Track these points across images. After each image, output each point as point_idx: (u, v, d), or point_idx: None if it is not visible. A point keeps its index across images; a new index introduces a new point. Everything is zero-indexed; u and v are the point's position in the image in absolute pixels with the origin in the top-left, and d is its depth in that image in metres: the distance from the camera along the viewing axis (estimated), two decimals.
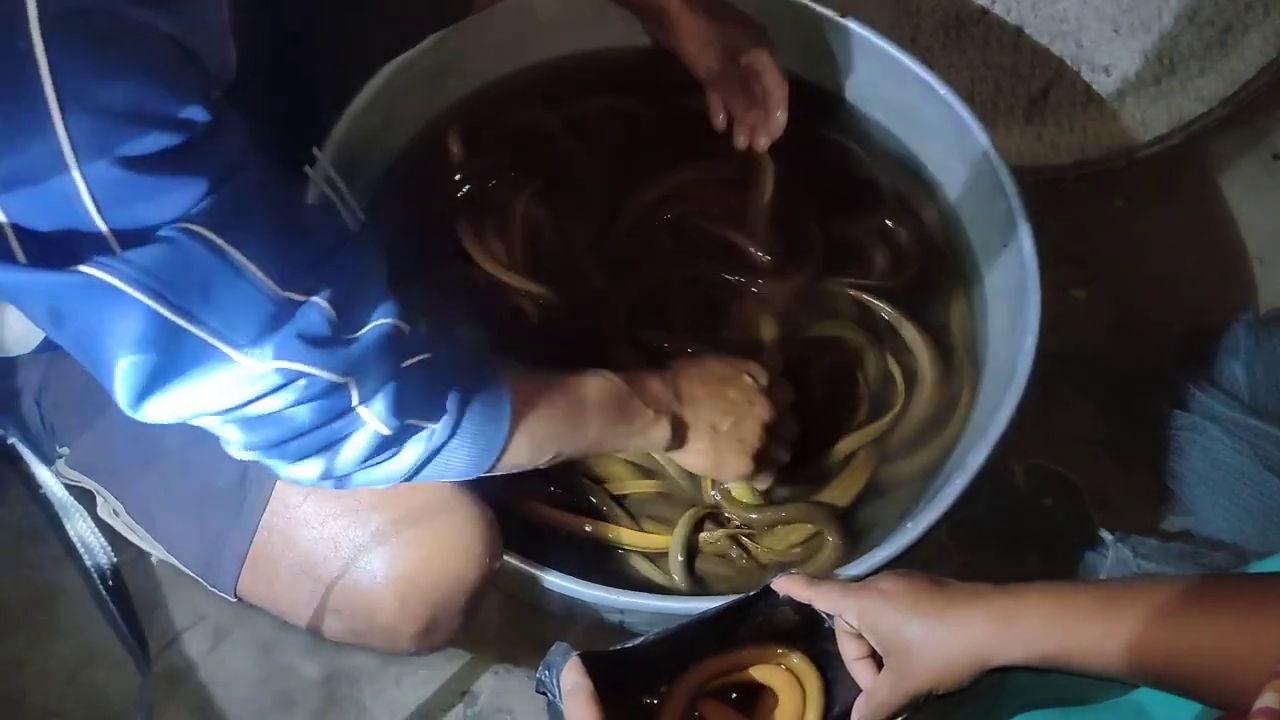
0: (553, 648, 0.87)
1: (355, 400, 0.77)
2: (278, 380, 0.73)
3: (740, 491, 1.13)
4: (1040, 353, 1.13)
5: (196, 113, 0.64)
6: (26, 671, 1.26)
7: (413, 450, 0.83)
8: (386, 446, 0.82)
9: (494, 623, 1.31)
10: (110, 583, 0.87)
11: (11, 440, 0.90)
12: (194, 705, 1.24)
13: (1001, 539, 1.38)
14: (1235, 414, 1.39)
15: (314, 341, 0.74)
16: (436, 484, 0.97)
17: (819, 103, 1.37)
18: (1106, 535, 1.35)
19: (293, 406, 0.75)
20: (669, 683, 0.93)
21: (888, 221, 1.31)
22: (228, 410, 0.74)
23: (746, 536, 1.13)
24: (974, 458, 1.08)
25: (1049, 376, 1.15)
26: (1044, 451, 1.44)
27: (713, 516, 1.14)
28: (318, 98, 1.18)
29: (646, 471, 1.16)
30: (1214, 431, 1.39)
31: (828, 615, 0.89)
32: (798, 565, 1.12)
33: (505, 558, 1.02)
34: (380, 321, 0.78)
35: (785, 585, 0.90)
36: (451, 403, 0.84)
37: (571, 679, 0.84)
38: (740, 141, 1.23)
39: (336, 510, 0.98)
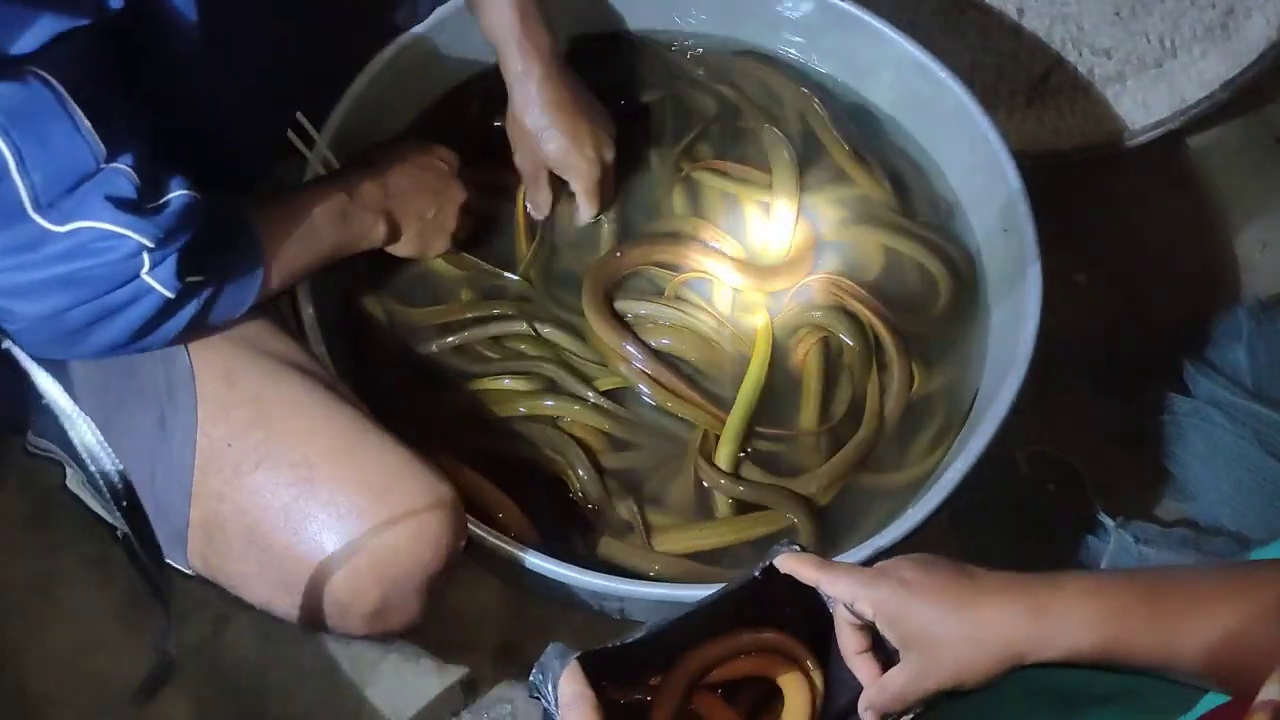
0: (547, 649, 0.79)
1: (145, 268, 0.83)
2: (69, 244, 0.78)
3: (723, 459, 1.13)
4: (1041, 338, 1.12)
5: None
6: (26, 659, 1.26)
7: (188, 309, 0.90)
8: (165, 311, 0.87)
9: (495, 610, 1.31)
10: (120, 489, 0.85)
11: (6, 345, 0.87)
12: (194, 694, 1.23)
13: (1003, 525, 1.38)
14: (1237, 398, 1.38)
15: (121, 204, 0.79)
16: (396, 459, 0.98)
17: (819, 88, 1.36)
18: (1108, 521, 1.35)
19: (85, 270, 0.81)
20: (666, 672, 0.90)
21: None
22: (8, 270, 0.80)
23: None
24: (975, 443, 1.07)
25: (1050, 361, 1.15)
26: (1045, 437, 1.44)
27: None
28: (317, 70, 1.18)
29: (621, 443, 1.16)
30: (1216, 416, 1.39)
31: (830, 601, 0.81)
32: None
33: (503, 545, 1.01)
34: (181, 192, 0.84)
35: (790, 563, 0.81)
36: (216, 256, 0.90)
37: (572, 690, 0.76)
38: (536, 216, 1.25)
39: (289, 479, 0.96)
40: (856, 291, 1.20)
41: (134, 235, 0.81)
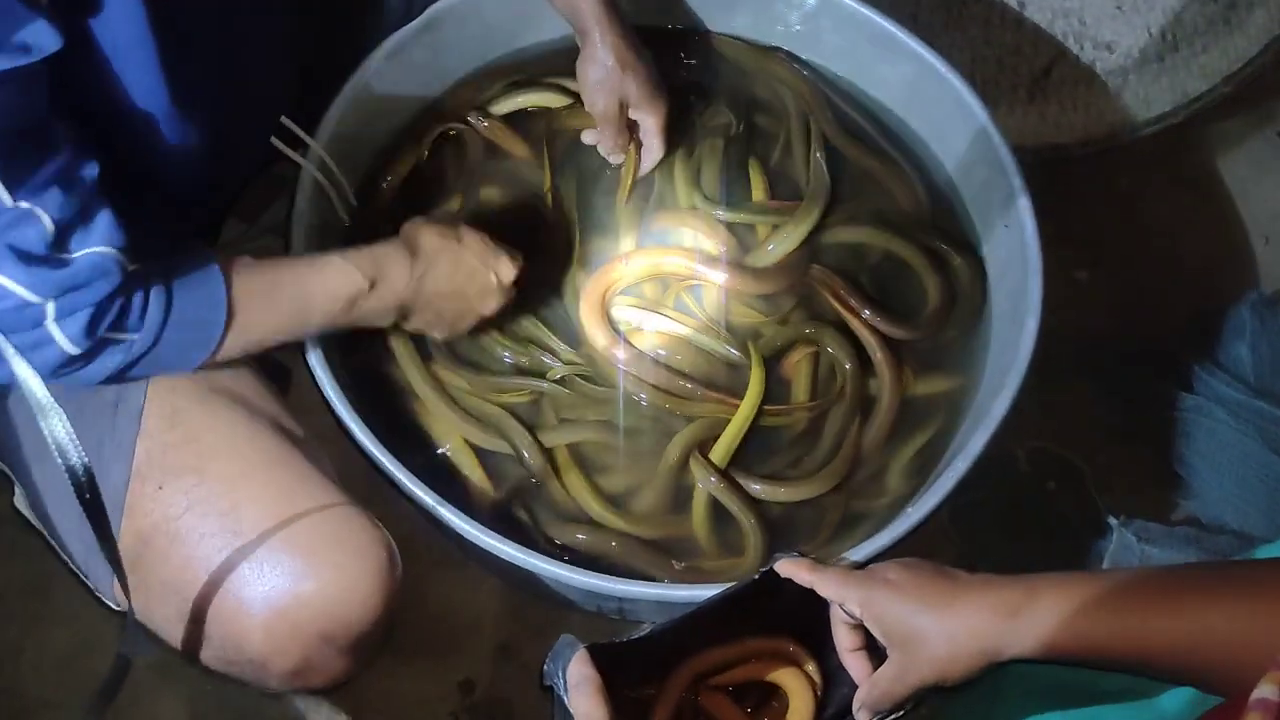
0: (559, 640, 0.84)
1: (49, 316, 0.80)
2: None
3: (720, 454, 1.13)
4: (1043, 334, 1.12)
5: None
6: (22, 660, 1.25)
7: (109, 360, 0.86)
8: (74, 362, 0.84)
9: (493, 611, 1.31)
10: (84, 483, 0.84)
11: None
12: (186, 696, 1.23)
13: (1004, 523, 1.38)
14: (1240, 395, 1.38)
15: (22, 256, 0.77)
16: (327, 510, 0.95)
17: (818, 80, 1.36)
18: (1111, 520, 1.34)
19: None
20: (673, 672, 0.92)
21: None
22: None
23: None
24: (975, 441, 1.07)
25: (1052, 359, 1.14)
26: (1047, 435, 1.43)
27: None
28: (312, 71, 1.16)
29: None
30: (1219, 413, 1.38)
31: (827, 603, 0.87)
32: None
33: (500, 545, 1.00)
34: (98, 249, 0.80)
35: (788, 568, 0.87)
36: (154, 314, 0.86)
37: (579, 671, 0.81)
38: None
39: (215, 528, 0.94)
40: (845, 300, 1.19)
41: (20, 290, 0.78)
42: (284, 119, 1.10)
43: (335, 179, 1.17)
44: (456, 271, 1.04)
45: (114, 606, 1.01)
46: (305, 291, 0.96)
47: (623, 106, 1.19)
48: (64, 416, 0.82)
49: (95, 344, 0.84)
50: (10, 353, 0.82)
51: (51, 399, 0.83)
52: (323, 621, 0.94)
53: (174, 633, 0.97)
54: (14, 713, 1.23)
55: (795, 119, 1.32)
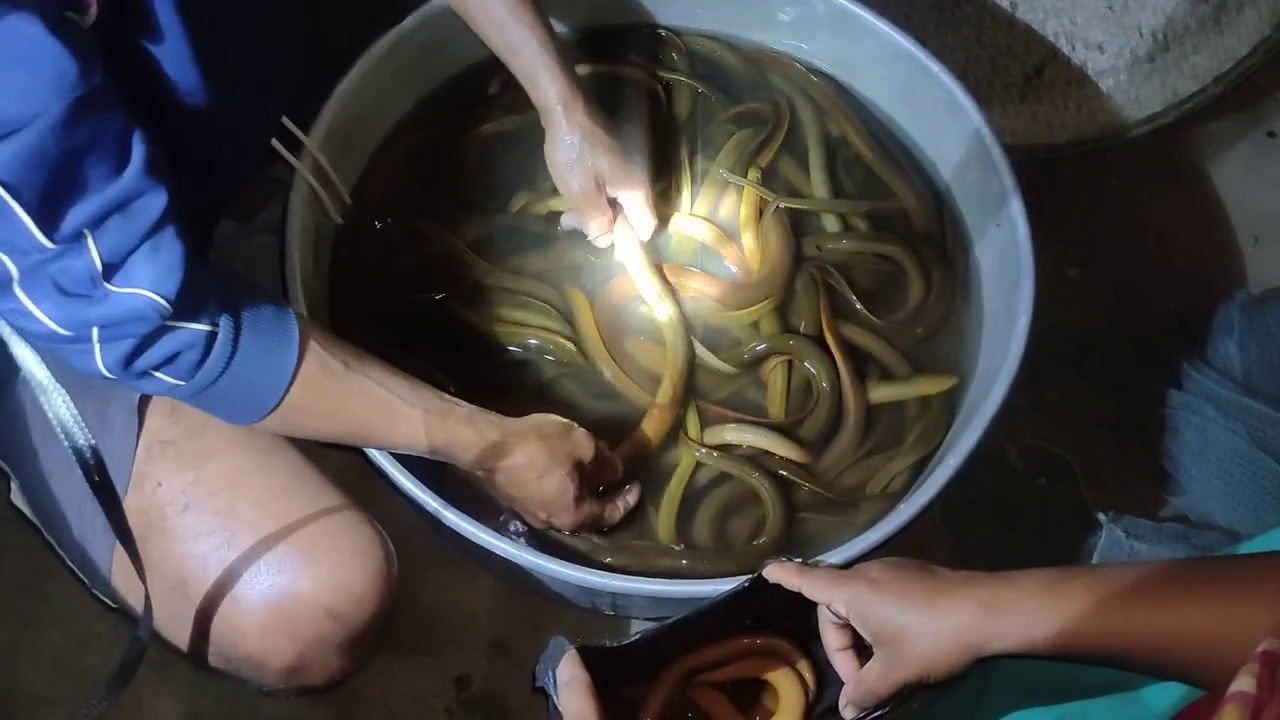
0: (550, 643, 0.84)
1: (94, 337, 0.78)
2: (7, 307, 0.75)
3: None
4: (1034, 332, 1.12)
5: None
6: (16, 658, 1.26)
7: (145, 386, 0.84)
8: (108, 379, 0.81)
9: (487, 607, 1.31)
10: (91, 464, 0.83)
11: None
12: (182, 693, 1.23)
13: (995, 519, 1.38)
14: (1229, 393, 1.39)
15: (61, 289, 0.74)
16: (324, 509, 0.95)
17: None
18: (1100, 516, 1.35)
19: (22, 322, 0.77)
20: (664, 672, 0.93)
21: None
22: None
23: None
24: (967, 438, 1.07)
25: (1043, 356, 1.15)
26: (1038, 432, 1.44)
27: None
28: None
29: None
30: (1208, 411, 1.39)
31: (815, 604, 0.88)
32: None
33: (495, 542, 1.01)
34: (142, 292, 0.76)
35: (777, 573, 0.88)
36: (203, 377, 0.83)
37: (569, 671, 0.82)
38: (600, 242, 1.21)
39: (213, 526, 0.94)
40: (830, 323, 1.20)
41: (49, 323, 0.76)
42: (284, 119, 1.10)
43: (329, 180, 1.17)
44: (513, 489, 1.02)
45: (109, 603, 1.01)
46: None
47: (599, 185, 1.15)
48: (67, 397, 0.81)
49: (134, 375, 0.82)
50: (7, 333, 0.80)
51: (54, 380, 0.81)
52: (319, 620, 0.94)
53: (171, 630, 0.97)
54: (9, 710, 1.24)
55: (809, 122, 1.32)
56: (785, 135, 1.30)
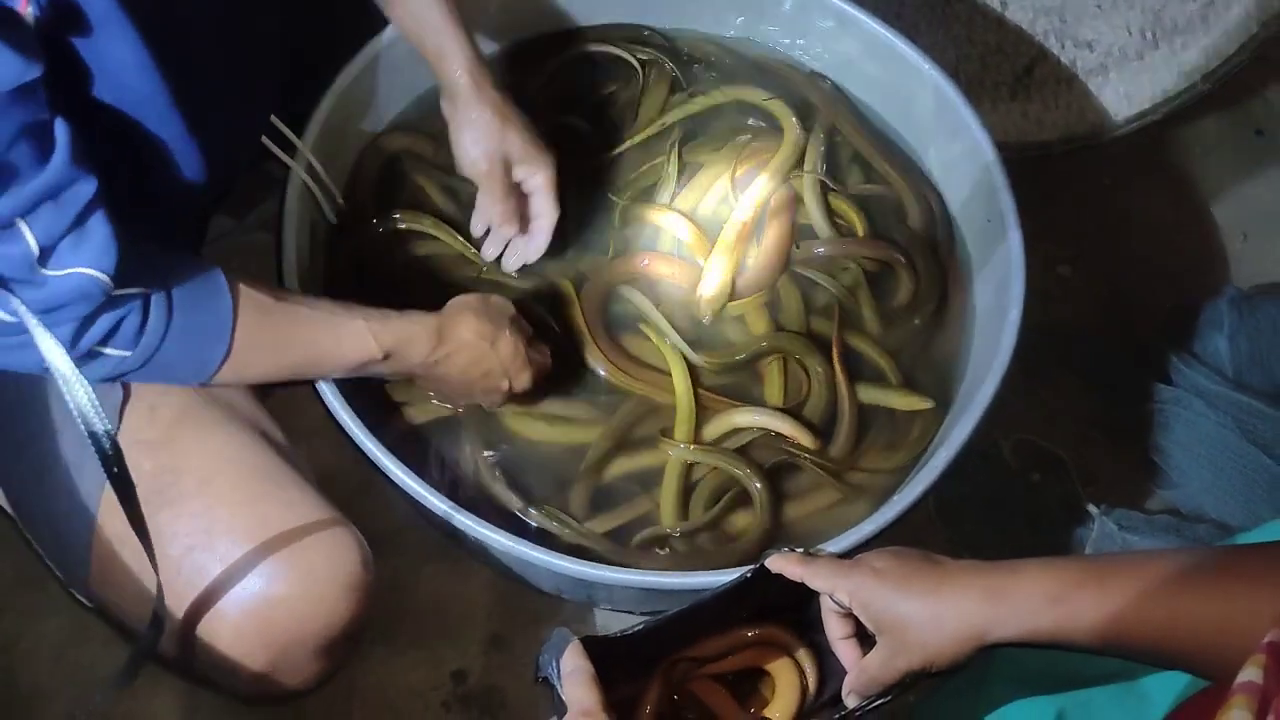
0: (554, 633, 0.83)
1: (32, 324, 0.79)
2: None
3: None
4: (1026, 328, 1.13)
5: None
6: (16, 651, 1.26)
7: (97, 369, 0.85)
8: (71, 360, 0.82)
9: (483, 602, 1.32)
10: (110, 454, 0.83)
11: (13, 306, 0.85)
12: (180, 688, 1.23)
13: (988, 514, 1.39)
14: (1219, 388, 1.40)
15: (1, 279, 0.77)
16: (300, 514, 0.94)
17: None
18: (1093, 509, 1.36)
19: None
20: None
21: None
22: None
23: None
24: (959, 432, 1.08)
25: (1035, 352, 1.16)
26: (1031, 427, 1.45)
27: None
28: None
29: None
30: (1198, 405, 1.40)
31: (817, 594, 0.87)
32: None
33: (492, 535, 1.01)
34: (82, 270, 0.78)
35: (779, 563, 0.87)
36: (149, 339, 0.85)
37: (572, 662, 0.81)
38: (489, 253, 1.19)
39: (187, 528, 0.92)
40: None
41: None
42: (274, 118, 1.09)
43: (322, 180, 1.17)
44: (472, 368, 1.04)
45: (85, 603, 1.00)
46: (315, 351, 0.95)
47: (506, 167, 1.11)
48: (88, 387, 0.81)
49: (81, 355, 0.83)
50: (33, 323, 0.81)
51: (76, 370, 0.81)
52: (293, 624, 0.93)
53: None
54: (8, 702, 1.24)
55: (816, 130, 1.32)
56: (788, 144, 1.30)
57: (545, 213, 1.15)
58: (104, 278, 0.79)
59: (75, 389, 0.81)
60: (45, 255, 0.77)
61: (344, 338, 0.95)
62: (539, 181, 1.13)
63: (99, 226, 0.79)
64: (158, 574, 0.88)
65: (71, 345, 0.82)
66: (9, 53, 0.70)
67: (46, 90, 0.74)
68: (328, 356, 0.96)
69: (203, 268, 0.89)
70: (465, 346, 1.02)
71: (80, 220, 0.78)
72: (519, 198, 1.15)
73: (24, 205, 0.75)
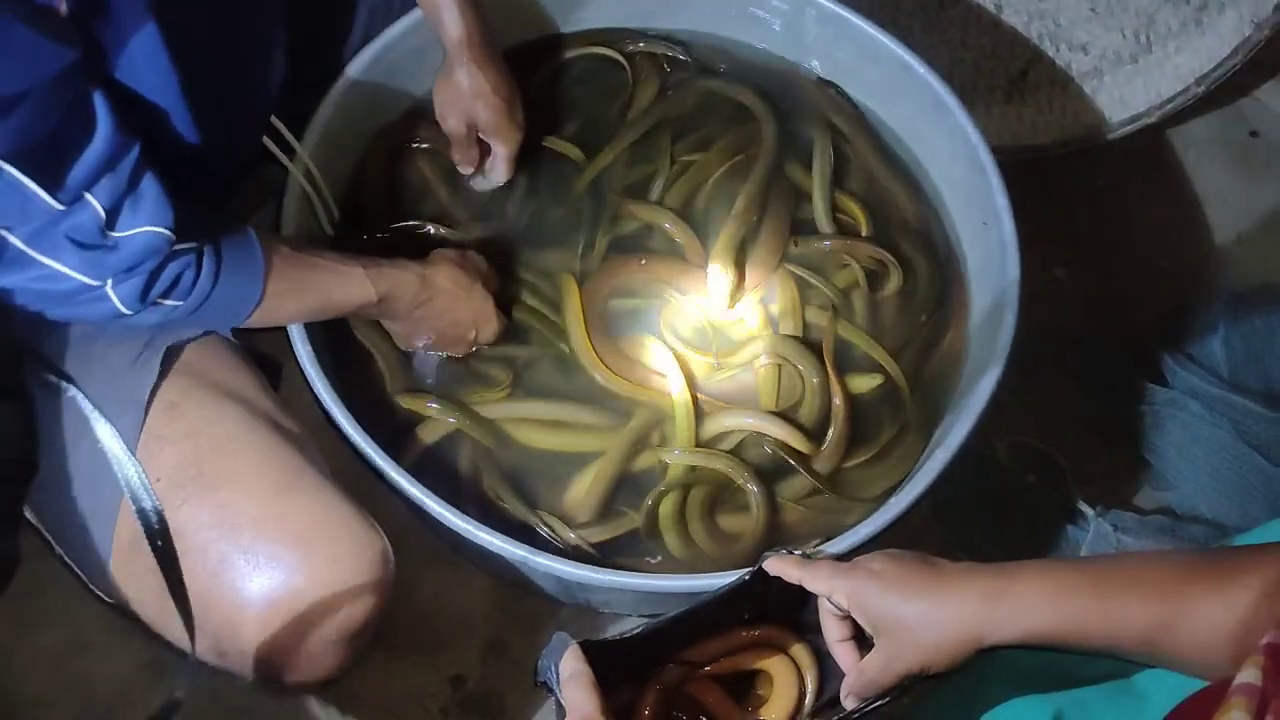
0: (553, 637, 0.84)
1: (110, 284, 0.87)
2: (36, 273, 0.84)
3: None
4: (1022, 330, 1.13)
5: None
6: (14, 660, 1.26)
7: (152, 316, 0.92)
8: (124, 316, 0.90)
9: (482, 607, 1.32)
10: (156, 529, 0.90)
11: (71, 394, 0.96)
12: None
13: (984, 515, 1.39)
14: (1214, 389, 1.40)
15: (79, 245, 0.83)
16: (325, 508, 0.96)
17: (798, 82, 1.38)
18: (1088, 510, 1.36)
19: (50, 290, 0.86)
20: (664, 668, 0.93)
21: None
22: None
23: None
24: (956, 434, 1.08)
25: (1031, 354, 1.16)
26: (1026, 428, 1.45)
27: None
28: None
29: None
30: (1193, 406, 1.40)
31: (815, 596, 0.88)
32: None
33: (488, 537, 1.02)
34: (148, 229, 0.86)
35: (777, 566, 0.88)
36: (201, 288, 0.92)
37: (571, 665, 0.82)
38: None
39: (210, 520, 0.94)
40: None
41: (79, 277, 0.85)
42: (274, 120, 1.11)
43: (319, 189, 1.18)
44: (446, 314, 1.12)
45: (106, 600, 1.01)
46: (327, 294, 1.03)
47: (471, 128, 1.20)
48: (140, 468, 0.91)
49: (146, 306, 0.90)
50: (88, 410, 0.91)
51: (129, 453, 0.91)
52: (316, 615, 0.95)
53: (171, 625, 0.97)
54: (5, 712, 1.24)
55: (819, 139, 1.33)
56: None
57: (495, 176, 1.25)
58: (167, 231, 0.87)
59: (128, 468, 0.89)
60: (111, 218, 0.84)
61: (348, 283, 1.03)
62: (499, 152, 1.23)
63: (150, 185, 0.86)
64: (193, 647, 0.92)
65: (141, 299, 0.89)
66: (51, 44, 0.76)
67: (83, 69, 0.80)
68: (335, 299, 1.04)
69: (230, 223, 0.96)
70: (443, 293, 1.10)
71: (134, 182, 0.85)
72: (485, 155, 1.25)
73: (89, 175, 0.82)
